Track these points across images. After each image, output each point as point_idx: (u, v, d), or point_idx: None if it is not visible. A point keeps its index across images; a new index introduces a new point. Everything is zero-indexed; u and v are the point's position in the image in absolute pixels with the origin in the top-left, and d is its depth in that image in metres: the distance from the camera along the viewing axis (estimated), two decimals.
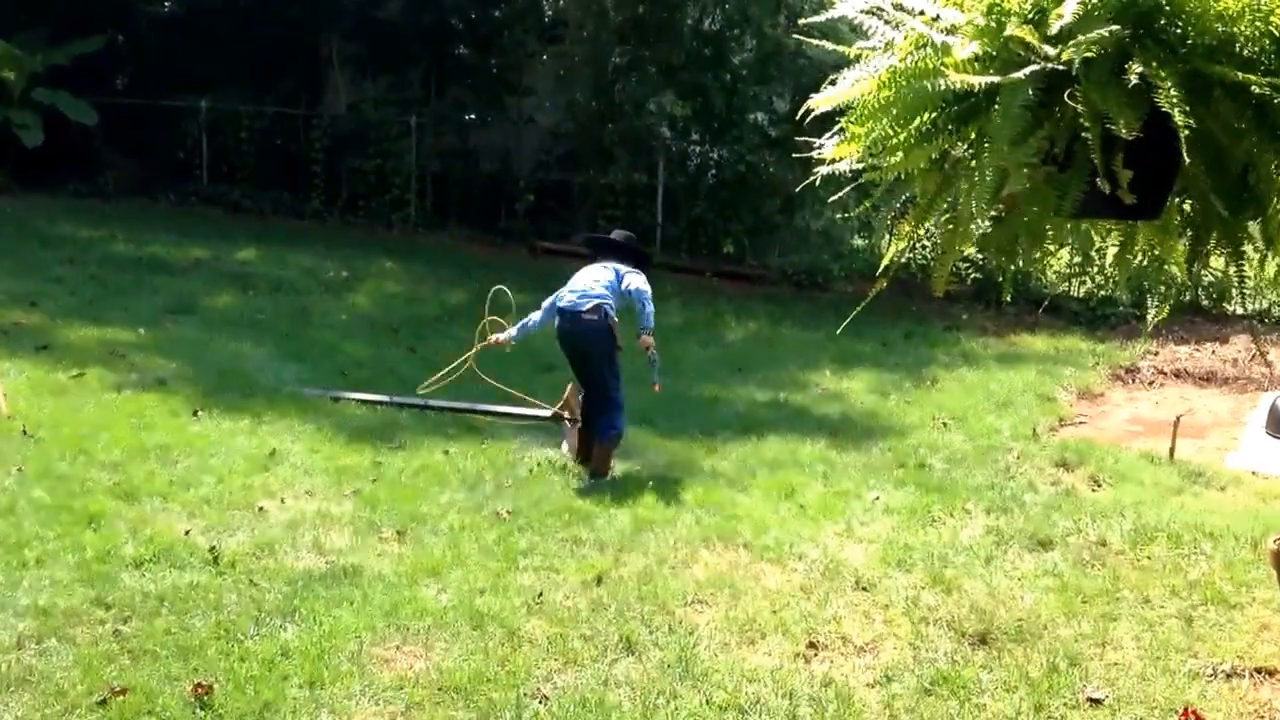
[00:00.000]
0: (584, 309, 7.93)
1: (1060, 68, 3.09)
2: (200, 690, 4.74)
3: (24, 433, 7.61)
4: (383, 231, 18.69)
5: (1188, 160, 2.96)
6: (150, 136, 20.62)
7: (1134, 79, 3.02)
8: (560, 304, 8.05)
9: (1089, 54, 3.06)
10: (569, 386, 8.56)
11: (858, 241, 18.22)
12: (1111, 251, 4.17)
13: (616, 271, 8.14)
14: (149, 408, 8.39)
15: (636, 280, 8.06)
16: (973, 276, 15.74)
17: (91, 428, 7.82)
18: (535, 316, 8.37)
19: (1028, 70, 3.12)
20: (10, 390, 8.36)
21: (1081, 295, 15.60)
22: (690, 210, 17.95)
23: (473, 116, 19.69)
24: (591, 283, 8.04)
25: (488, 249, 18.14)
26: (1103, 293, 15.33)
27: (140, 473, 7.15)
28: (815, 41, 4.06)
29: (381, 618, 5.51)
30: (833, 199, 4.20)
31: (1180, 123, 2.92)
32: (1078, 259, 14.44)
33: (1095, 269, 15.09)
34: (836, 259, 17.13)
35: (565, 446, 8.43)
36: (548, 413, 8.77)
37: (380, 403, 9.22)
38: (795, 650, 5.48)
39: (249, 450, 7.73)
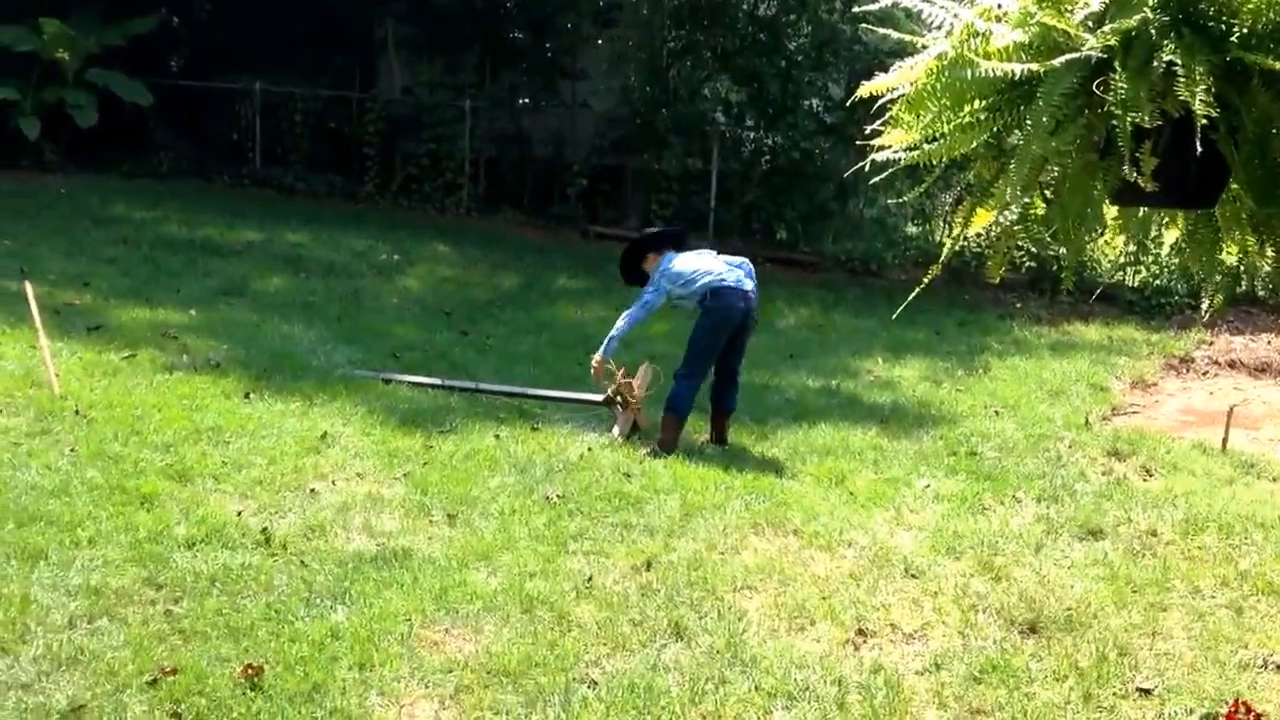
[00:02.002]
0: (752, 288, 8.25)
1: (1101, 56, 3.06)
2: (250, 671, 4.76)
3: (76, 413, 7.66)
4: (436, 215, 18.70)
5: (1200, 149, 2.92)
6: (204, 118, 20.78)
7: (1162, 67, 2.98)
8: (728, 284, 8.14)
9: (1112, 41, 3.03)
10: (620, 370, 8.57)
11: (911, 229, 18.11)
12: (1169, 240, 4.12)
13: (712, 252, 8.50)
14: (201, 389, 8.43)
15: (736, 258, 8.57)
16: (1027, 265, 15.61)
17: (144, 408, 7.86)
18: (635, 315, 8.45)
19: (1065, 58, 3.09)
20: (63, 371, 8.42)
21: (1136, 284, 15.45)
22: (744, 196, 17.86)
23: (526, 101, 19.68)
24: (718, 260, 8.35)
25: (541, 233, 18.14)
26: (1157, 282, 15.18)
27: (192, 454, 7.19)
28: (871, 28, 4.04)
29: (431, 600, 5.52)
30: (875, 180, 4.16)
31: (1199, 112, 2.89)
32: (1133, 248, 14.31)
33: (1150, 258, 14.97)
34: (890, 246, 17.02)
35: (616, 430, 8.43)
36: (600, 398, 8.80)
37: (434, 385, 9.24)
38: (844, 637, 5.46)
39: (300, 432, 7.75)
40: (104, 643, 4.94)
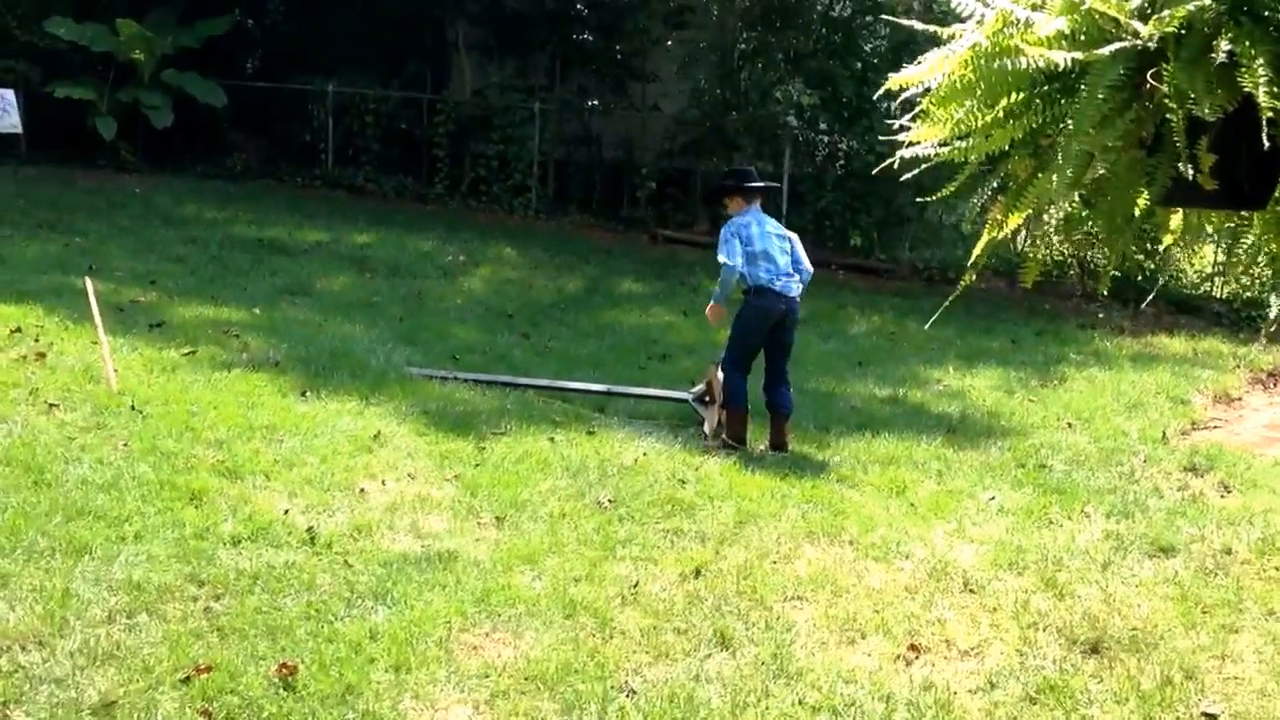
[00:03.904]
0: (796, 292, 8.36)
1: (1151, 46, 2.89)
2: (285, 671, 4.68)
3: (132, 409, 7.62)
4: (504, 217, 18.76)
5: (1266, 144, 2.74)
6: (277, 119, 21.04)
7: (1221, 57, 2.80)
8: (773, 286, 8.24)
9: (1170, 29, 2.85)
10: (711, 368, 8.68)
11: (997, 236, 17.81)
12: (1245, 244, 3.92)
13: (790, 240, 8.49)
14: (258, 387, 8.39)
15: (806, 259, 8.56)
16: (1111, 274, 15.27)
17: (200, 405, 7.82)
18: (728, 275, 8.37)
19: (1113, 48, 2.92)
20: (122, 367, 8.42)
21: (1224, 295, 15.07)
22: (817, 202, 17.68)
23: (596, 103, 19.65)
24: (783, 256, 8.35)
25: (608, 236, 18.12)
26: (1247, 294, 14.80)
27: (245, 451, 7.12)
28: (894, 19, 3.87)
29: (473, 604, 5.41)
30: (951, 186, 3.98)
31: (1265, 104, 2.71)
32: (1221, 256, 13.98)
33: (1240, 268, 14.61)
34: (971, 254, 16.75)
35: (706, 427, 8.47)
36: (687, 395, 8.87)
37: (520, 385, 9.21)
38: (895, 652, 5.29)
39: (354, 431, 7.68)
40: (141, 639, 4.87)
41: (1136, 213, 3.37)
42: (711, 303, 8.51)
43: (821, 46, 17.54)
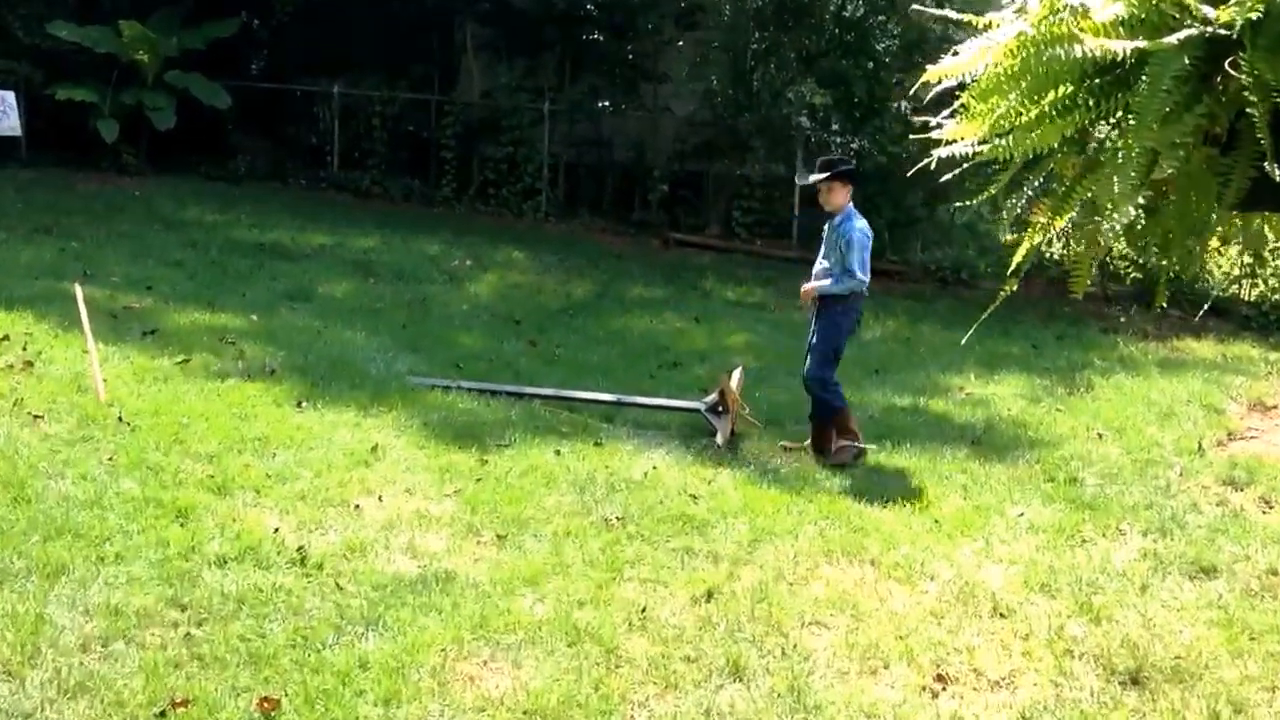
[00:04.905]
0: None
1: (1222, 32, 2.57)
2: (266, 705, 4.42)
3: (120, 420, 7.37)
4: (513, 220, 18.64)
5: None
6: (283, 121, 20.97)
7: None
8: (865, 293, 8.42)
9: (1254, 14, 2.53)
10: (723, 376, 8.57)
11: (1009, 236, 17.51)
12: None
13: None
14: (252, 397, 8.12)
15: None
16: (1132, 276, 14.93)
17: (190, 417, 7.56)
18: (856, 287, 8.37)
19: (1182, 35, 2.60)
20: (112, 377, 8.16)
21: (1253, 299, 14.70)
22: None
23: (607, 104, 19.43)
24: None
25: (620, 240, 17.93)
26: (1277, 296, 14.42)
27: (235, 465, 6.85)
28: (921, 9, 3.56)
29: (470, 629, 5.15)
30: (943, 176, 3.67)
31: None
32: (1249, 258, 13.62)
33: (1269, 270, 14.25)
34: (983, 255, 16.45)
35: (719, 438, 8.16)
36: (700, 405, 8.61)
37: (525, 395, 8.93)
38: (921, 683, 5.01)
39: (351, 444, 7.41)
40: (116, 669, 4.63)
41: (1210, 218, 3.03)
42: (815, 289, 8.37)
43: (834, 46, 17.29)
